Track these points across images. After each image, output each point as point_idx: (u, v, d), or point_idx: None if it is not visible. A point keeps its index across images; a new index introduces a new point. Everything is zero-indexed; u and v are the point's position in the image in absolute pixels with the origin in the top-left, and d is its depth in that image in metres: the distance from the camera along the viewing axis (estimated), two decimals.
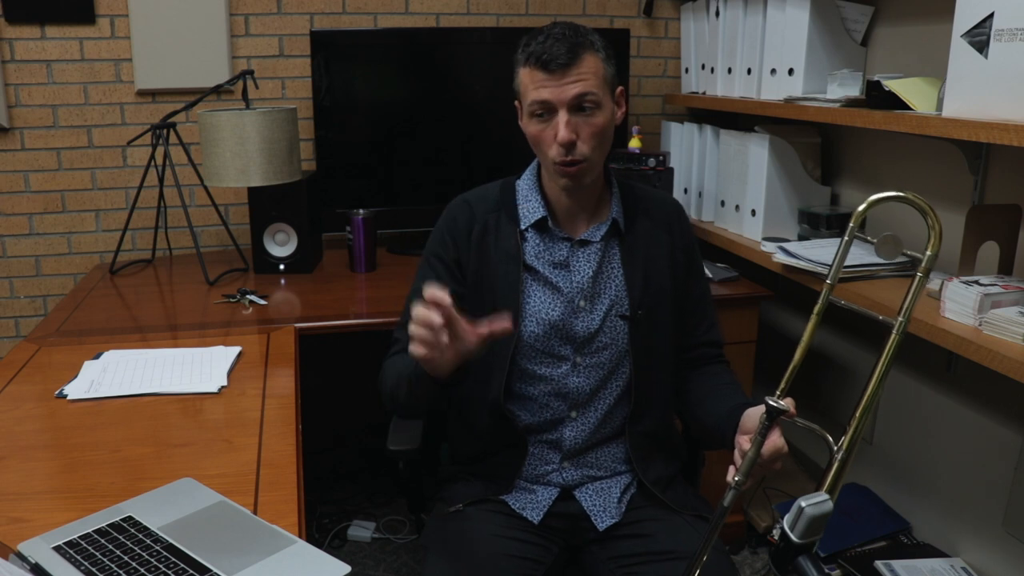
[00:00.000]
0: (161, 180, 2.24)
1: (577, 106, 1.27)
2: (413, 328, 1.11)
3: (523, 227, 1.39)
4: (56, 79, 2.37)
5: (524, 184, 1.43)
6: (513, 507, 1.40)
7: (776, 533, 2.18)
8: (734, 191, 2.26)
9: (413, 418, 1.48)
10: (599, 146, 1.31)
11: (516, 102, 1.37)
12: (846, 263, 1.77)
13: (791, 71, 2.05)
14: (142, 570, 0.95)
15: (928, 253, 1.02)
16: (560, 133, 1.26)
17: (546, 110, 1.28)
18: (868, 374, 1.03)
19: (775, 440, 1.09)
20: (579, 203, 1.39)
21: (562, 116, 1.27)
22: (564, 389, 1.39)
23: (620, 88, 1.37)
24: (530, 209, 1.40)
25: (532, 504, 1.40)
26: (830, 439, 1.05)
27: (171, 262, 2.42)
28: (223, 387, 1.49)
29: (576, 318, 1.37)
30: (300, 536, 1.04)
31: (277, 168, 2.08)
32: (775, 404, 1.04)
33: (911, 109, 1.62)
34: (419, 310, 1.10)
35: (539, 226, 1.39)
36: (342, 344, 2.32)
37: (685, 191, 2.51)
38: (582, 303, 1.37)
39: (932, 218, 1.02)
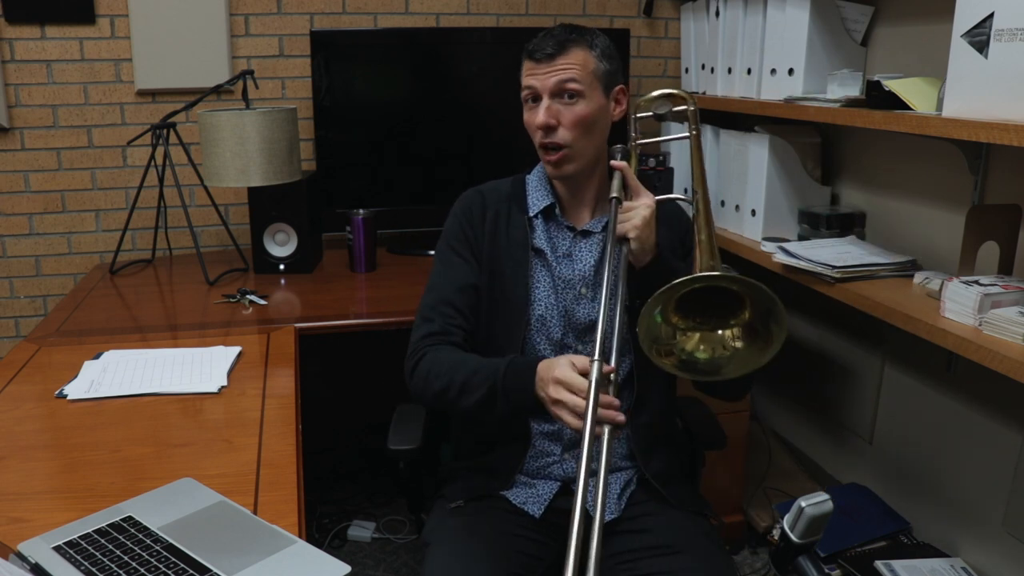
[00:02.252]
0: (161, 180, 2.24)
1: (558, 93, 1.34)
2: (573, 399, 1.14)
3: (531, 214, 1.44)
4: (56, 79, 2.37)
5: (534, 177, 1.49)
6: (514, 502, 1.41)
7: (776, 533, 2.19)
8: (734, 191, 2.26)
9: (457, 414, 1.51)
10: (583, 136, 1.36)
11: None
12: (846, 263, 1.79)
13: (791, 71, 2.04)
14: (142, 570, 0.95)
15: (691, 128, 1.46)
16: (539, 116, 1.34)
17: (532, 96, 1.37)
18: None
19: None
20: (579, 193, 1.44)
21: (544, 102, 1.34)
22: None
23: (620, 87, 1.41)
24: (539, 198, 1.46)
25: (533, 498, 1.41)
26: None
27: (171, 262, 2.42)
28: (223, 387, 1.49)
29: (578, 305, 1.41)
30: (300, 536, 1.04)
31: (277, 168, 2.08)
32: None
33: (911, 109, 1.62)
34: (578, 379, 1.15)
35: (546, 215, 1.45)
36: (342, 344, 2.32)
37: (685, 191, 2.50)
38: (584, 291, 1.41)
39: (690, 100, 1.44)
